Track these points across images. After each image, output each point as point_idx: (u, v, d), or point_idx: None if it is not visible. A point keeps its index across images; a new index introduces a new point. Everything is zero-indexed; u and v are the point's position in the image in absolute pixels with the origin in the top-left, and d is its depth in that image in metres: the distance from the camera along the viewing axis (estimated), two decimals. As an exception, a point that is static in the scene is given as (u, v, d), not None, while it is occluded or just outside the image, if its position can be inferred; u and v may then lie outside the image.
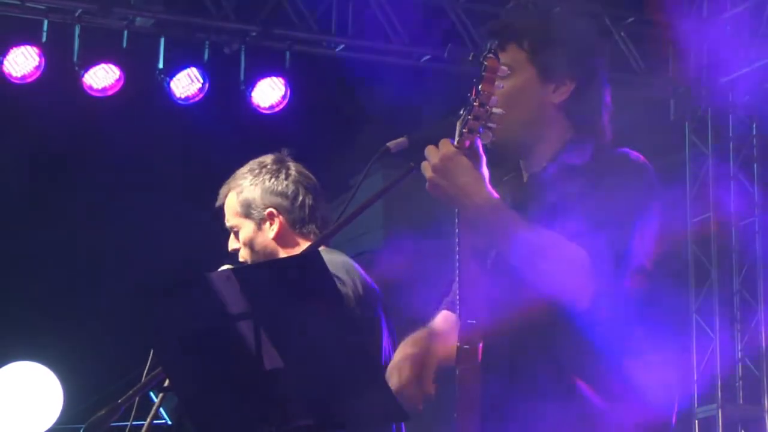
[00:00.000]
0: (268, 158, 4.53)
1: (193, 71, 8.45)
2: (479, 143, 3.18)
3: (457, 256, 3.26)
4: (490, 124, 3.17)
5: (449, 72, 8.54)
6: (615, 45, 9.22)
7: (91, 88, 8.29)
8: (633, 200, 3.24)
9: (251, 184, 4.46)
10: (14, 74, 8.13)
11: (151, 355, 3.73)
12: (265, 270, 3.30)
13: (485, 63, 3.15)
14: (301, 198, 4.44)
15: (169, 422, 6.53)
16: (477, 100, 3.14)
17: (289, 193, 4.44)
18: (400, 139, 3.36)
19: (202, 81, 8.45)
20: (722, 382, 9.10)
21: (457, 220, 3.26)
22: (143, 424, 4.29)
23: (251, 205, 4.44)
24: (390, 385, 3.20)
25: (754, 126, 9.26)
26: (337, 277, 4.01)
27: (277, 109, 8.66)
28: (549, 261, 3.15)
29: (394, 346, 4.09)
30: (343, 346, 3.04)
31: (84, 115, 8.39)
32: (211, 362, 3.14)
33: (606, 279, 3.16)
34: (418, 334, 3.44)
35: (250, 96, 8.61)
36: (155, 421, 4.36)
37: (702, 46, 9.36)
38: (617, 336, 3.22)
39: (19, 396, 8.35)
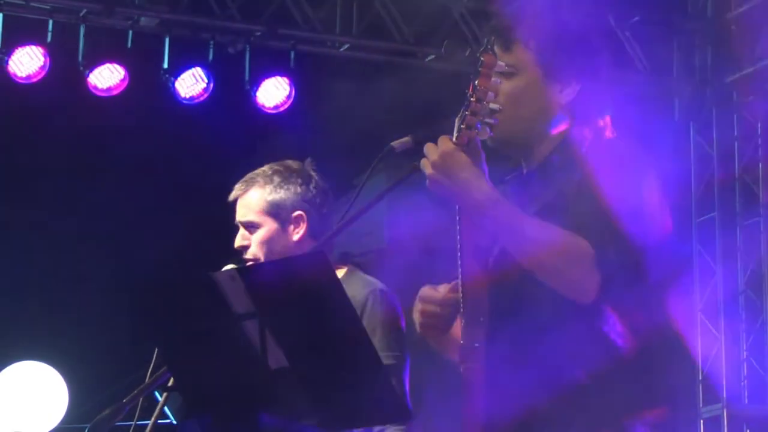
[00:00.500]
0: (294, 163, 4.61)
1: (197, 71, 8.45)
2: (478, 139, 3.18)
3: (459, 255, 3.26)
4: (487, 120, 3.17)
5: (453, 72, 8.54)
6: (619, 44, 9.21)
7: (95, 87, 8.30)
8: (633, 191, 3.24)
9: (281, 186, 4.52)
10: (19, 74, 8.13)
11: (155, 354, 3.74)
12: (270, 269, 3.30)
13: (482, 59, 3.16)
14: (325, 210, 4.55)
15: (174, 422, 6.54)
16: (474, 96, 3.14)
17: (318, 202, 4.54)
18: (404, 139, 3.36)
19: (206, 81, 8.46)
20: (727, 382, 9.09)
21: (458, 218, 3.27)
22: (148, 424, 4.29)
23: (280, 205, 4.50)
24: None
25: (759, 126, 9.25)
26: None
27: (281, 109, 8.66)
28: (553, 255, 3.15)
29: None
30: (348, 345, 3.04)
31: (89, 115, 8.40)
32: (215, 362, 3.15)
33: (610, 272, 3.16)
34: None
35: (255, 96, 8.61)
36: (160, 421, 4.36)
37: (707, 45, 9.36)
38: (621, 329, 3.22)
39: (24, 395, 8.36)
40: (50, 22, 8.26)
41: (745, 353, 9.10)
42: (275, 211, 4.49)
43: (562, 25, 3.47)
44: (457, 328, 3.34)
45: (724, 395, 9.06)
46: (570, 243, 3.15)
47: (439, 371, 3.54)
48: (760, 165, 9.22)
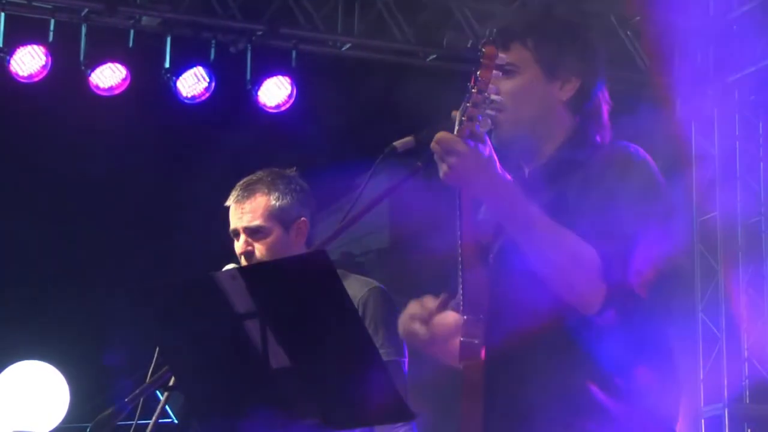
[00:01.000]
0: (291, 171, 4.69)
1: (199, 70, 8.46)
2: (478, 127, 3.16)
3: (459, 251, 3.26)
4: (489, 111, 3.16)
5: (456, 71, 8.54)
6: (621, 44, 9.22)
7: (97, 87, 8.30)
8: (638, 198, 3.23)
9: (286, 193, 4.60)
10: (21, 73, 8.14)
11: (156, 354, 3.74)
12: (271, 268, 3.30)
13: (483, 50, 3.16)
14: (314, 217, 4.67)
15: (175, 421, 6.54)
16: (475, 87, 3.14)
17: (313, 209, 4.66)
18: (407, 139, 3.36)
19: (208, 80, 8.46)
20: (728, 381, 9.09)
21: (458, 213, 3.27)
22: (149, 423, 4.30)
23: (286, 211, 4.57)
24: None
25: (760, 125, 9.25)
26: None
27: (283, 108, 8.67)
28: (564, 257, 3.14)
29: None
30: (349, 344, 3.04)
31: (90, 114, 8.40)
32: (217, 361, 3.15)
33: (616, 281, 3.15)
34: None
35: (257, 95, 8.62)
36: (161, 420, 4.37)
37: (708, 45, 9.36)
38: (626, 337, 3.22)
39: (26, 395, 8.37)
40: (52, 21, 8.27)
41: (746, 353, 9.10)
42: (282, 216, 4.53)
43: (558, 21, 3.48)
44: (452, 338, 3.33)
45: (725, 395, 9.06)
46: (581, 250, 3.15)
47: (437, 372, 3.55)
48: (762, 164, 9.22)
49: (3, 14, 8.19)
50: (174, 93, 8.43)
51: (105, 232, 9.01)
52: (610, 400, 3.21)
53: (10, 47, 8.13)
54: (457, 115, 3.17)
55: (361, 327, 3.09)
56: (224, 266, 4.37)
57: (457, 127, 3.16)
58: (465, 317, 3.26)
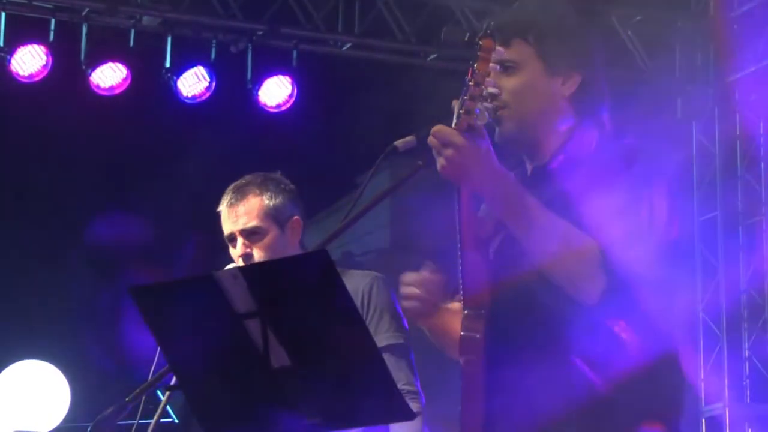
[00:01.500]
0: (274, 173, 4.68)
1: (200, 70, 8.46)
2: (476, 121, 3.16)
3: (459, 245, 3.26)
4: (486, 104, 3.16)
5: (456, 70, 8.55)
6: (622, 43, 9.22)
7: (98, 86, 8.30)
8: (640, 194, 3.24)
9: (278, 193, 4.59)
10: (22, 73, 8.14)
11: (157, 353, 3.74)
12: (272, 268, 3.30)
13: (480, 42, 3.15)
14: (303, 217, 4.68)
15: (176, 420, 6.55)
16: (473, 80, 3.14)
17: (303, 210, 4.65)
18: (408, 138, 3.35)
19: (208, 80, 8.46)
20: (729, 381, 9.10)
21: (457, 208, 3.27)
22: (150, 423, 4.30)
23: (280, 210, 4.57)
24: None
25: (761, 125, 9.25)
26: None
27: (284, 108, 8.66)
28: (564, 249, 3.14)
29: None
30: (350, 343, 3.04)
31: (91, 114, 8.40)
32: (218, 361, 3.15)
33: (616, 273, 3.15)
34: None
35: (257, 95, 8.62)
36: (162, 420, 4.37)
37: (709, 44, 9.36)
38: (627, 328, 3.22)
39: (27, 394, 8.37)
40: (52, 21, 8.27)
41: (747, 352, 9.11)
42: (277, 215, 4.54)
43: (558, 17, 3.48)
44: (456, 322, 3.34)
45: (726, 394, 9.06)
46: (582, 242, 3.15)
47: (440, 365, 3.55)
48: (762, 164, 9.23)
49: (3, 14, 8.19)
50: (174, 93, 8.43)
51: (109, 230, 9.02)
52: (611, 391, 3.21)
53: (11, 47, 8.13)
54: (455, 107, 3.17)
55: (363, 326, 3.08)
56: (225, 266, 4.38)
57: (455, 121, 3.16)
58: (465, 312, 3.26)
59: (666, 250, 3.25)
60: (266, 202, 4.55)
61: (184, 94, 8.45)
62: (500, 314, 3.28)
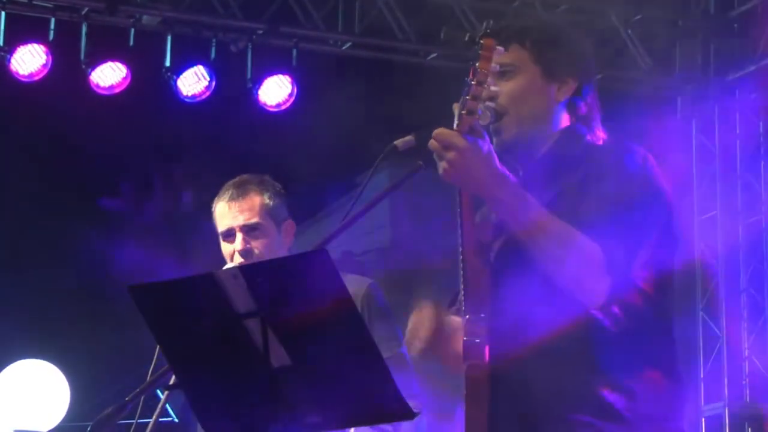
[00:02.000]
0: (266, 176, 4.70)
1: (199, 69, 8.46)
2: (477, 123, 3.15)
3: (461, 249, 3.26)
4: (488, 104, 3.16)
5: (457, 70, 8.55)
6: (622, 42, 9.22)
7: (98, 86, 8.30)
8: (640, 195, 3.23)
9: (276, 194, 4.61)
10: (22, 72, 8.14)
11: (157, 352, 3.74)
12: (272, 267, 3.30)
13: (481, 42, 3.15)
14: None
15: (176, 420, 6.55)
16: (474, 80, 3.13)
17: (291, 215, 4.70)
18: (408, 137, 3.35)
19: (208, 79, 8.46)
20: (729, 380, 9.10)
21: (458, 211, 3.26)
22: (149, 422, 4.30)
23: (277, 209, 4.58)
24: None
25: (761, 124, 9.25)
26: None
27: (283, 107, 8.66)
28: (567, 251, 3.14)
29: None
30: (350, 343, 3.04)
31: (91, 113, 8.40)
32: (218, 360, 3.15)
33: (619, 276, 3.15)
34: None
35: (257, 94, 8.62)
36: (162, 419, 4.37)
37: (709, 44, 9.36)
38: (631, 331, 3.22)
39: (26, 393, 8.37)
40: (52, 20, 8.28)
41: (746, 351, 9.11)
42: (275, 215, 4.56)
43: (555, 23, 3.49)
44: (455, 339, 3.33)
45: (726, 393, 9.06)
46: (584, 244, 3.14)
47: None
48: (762, 163, 9.23)
49: (3, 13, 8.19)
50: (174, 92, 8.43)
51: (109, 229, 9.03)
52: (617, 399, 3.21)
53: (11, 46, 8.13)
54: (456, 108, 3.17)
55: (363, 326, 3.08)
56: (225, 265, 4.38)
57: (456, 122, 3.15)
58: (467, 317, 3.25)
59: (665, 248, 3.25)
60: (267, 201, 4.56)
61: (184, 93, 8.45)
62: (504, 325, 3.26)
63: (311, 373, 3.07)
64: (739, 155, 9.29)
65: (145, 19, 8.51)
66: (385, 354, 4.30)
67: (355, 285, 4.43)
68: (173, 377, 3.36)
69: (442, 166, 3.14)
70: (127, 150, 8.75)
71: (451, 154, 3.11)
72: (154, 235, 8.88)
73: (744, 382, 9.10)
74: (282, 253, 4.49)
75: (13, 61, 8.12)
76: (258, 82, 8.62)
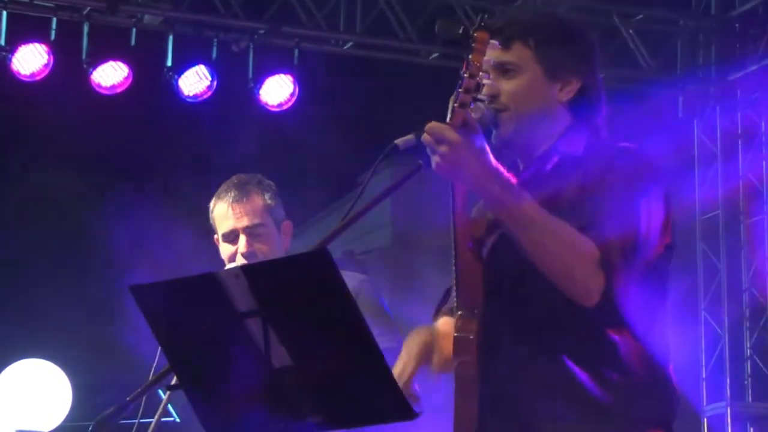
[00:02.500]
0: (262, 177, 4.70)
1: (201, 69, 8.46)
2: (469, 114, 3.14)
3: (453, 245, 3.25)
4: (480, 97, 3.15)
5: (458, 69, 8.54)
6: (623, 42, 9.22)
7: (99, 85, 8.31)
8: (638, 195, 3.23)
9: (274, 194, 4.60)
10: (23, 72, 8.15)
11: (158, 352, 3.74)
12: (273, 267, 3.30)
13: (475, 35, 3.14)
14: None
15: (178, 420, 6.54)
16: (467, 72, 3.12)
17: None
18: (408, 137, 3.34)
19: (210, 79, 8.46)
20: (731, 380, 9.10)
21: (451, 205, 3.26)
22: (151, 422, 4.30)
23: (277, 210, 4.57)
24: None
25: (762, 124, 9.25)
26: None
27: (285, 107, 8.66)
28: (561, 249, 3.13)
29: None
30: (351, 343, 3.04)
31: (92, 113, 8.41)
32: (219, 360, 3.15)
33: (614, 274, 3.15)
34: (423, 330, 3.47)
35: (259, 94, 8.62)
36: (163, 419, 4.37)
37: (711, 43, 9.36)
38: (624, 330, 3.22)
39: (28, 393, 8.38)
40: (54, 20, 8.28)
41: (748, 351, 9.11)
42: (275, 216, 4.54)
43: (559, 22, 3.48)
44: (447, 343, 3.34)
45: (728, 393, 9.06)
46: (578, 241, 3.14)
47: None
48: (764, 163, 9.23)
49: (5, 13, 8.20)
50: (176, 91, 8.43)
51: (110, 229, 9.02)
52: (605, 394, 3.21)
53: (12, 46, 8.13)
54: (450, 102, 3.16)
55: (364, 326, 3.08)
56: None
57: (449, 115, 3.15)
58: (459, 312, 3.25)
59: (662, 246, 3.25)
60: (268, 201, 4.54)
61: (186, 93, 8.45)
62: (495, 320, 3.27)
63: (312, 373, 3.07)
64: (741, 155, 9.29)
65: (147, 18, 8.52)
66: (382, 345, 4.32)
67: (349, 282, 4.44)
68: (174, 377, 3.36)
69: (434, 159, 3.13)
70: (127, 149, 8.75)
71: (443, 148, 3.10)
72: (154, 232, 8.89)
73: (746, 382, 9.10)
74: (281, 253, 4.48)
75: (14, 60, 8.13)
76: (259, 81, 8.62)
